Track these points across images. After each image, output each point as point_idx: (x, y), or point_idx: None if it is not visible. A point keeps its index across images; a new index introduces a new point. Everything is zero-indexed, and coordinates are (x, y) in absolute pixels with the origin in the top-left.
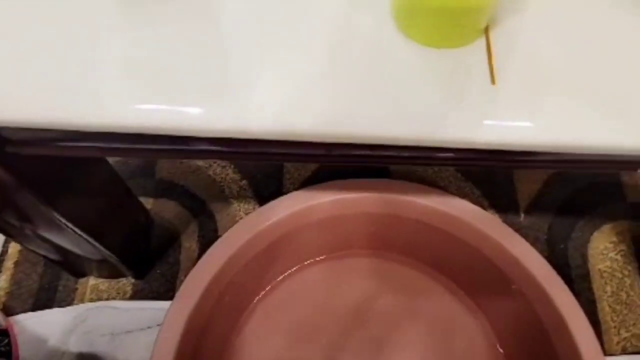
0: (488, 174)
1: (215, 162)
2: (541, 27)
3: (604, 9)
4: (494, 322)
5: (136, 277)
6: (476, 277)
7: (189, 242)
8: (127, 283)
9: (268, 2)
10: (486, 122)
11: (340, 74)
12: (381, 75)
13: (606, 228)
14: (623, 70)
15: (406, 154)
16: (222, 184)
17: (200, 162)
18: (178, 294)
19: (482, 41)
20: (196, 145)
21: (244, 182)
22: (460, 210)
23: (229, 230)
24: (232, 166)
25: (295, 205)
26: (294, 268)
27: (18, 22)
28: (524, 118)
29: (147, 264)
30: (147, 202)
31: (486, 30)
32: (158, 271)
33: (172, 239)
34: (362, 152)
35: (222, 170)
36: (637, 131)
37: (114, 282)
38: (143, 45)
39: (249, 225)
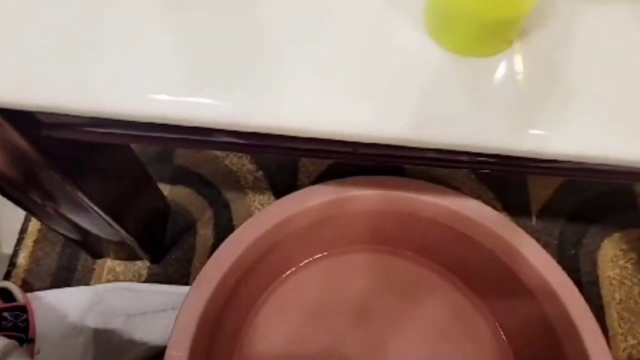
0: (501, 176)
1: (232, 152)
2: (566, 40)
3: (629, 24)
4: (504, 323)
5: (152, 261)
6: (488, 278)
7: (205, 230)
8: (142, 266)
9: (302, 6)
10: (513, 129)
11: (368, 76)
12: (409, 79)
13: (616, 236)
14: None
15: (429, 155)
16: (238, 173)
17: (218, 152)
18: (197, 280)
19: (510, 51)
20: (217, 137)
21: (259, 173)
22: (475, 212)
23: (247, 220)
24: (248, 157)
25: (311, 199)
26: (306, 261)
27: (46, 11)
28: (549, 127)
29: (163, 249)
30: (165, 188)
31: (516, 41)
32: (173, 256)
33: (188, 226)
34: (387, 152)
35: (238, 161)
36: None
37: (130, 264)
38: (167, 35)
39: (268, 217)
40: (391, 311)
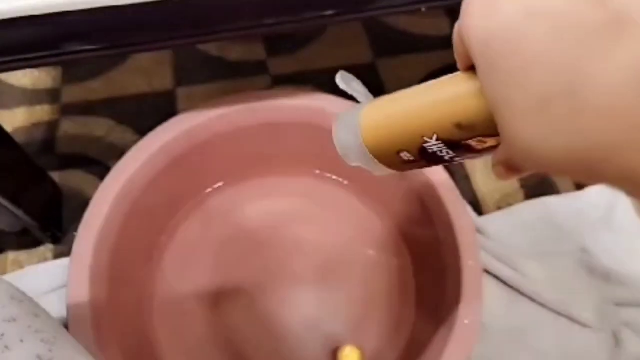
0: None
1: (114, 130)
2: None
3: None
4: (389, 210)
5: (54, 242)
6: (367, 173)
7: None
8: (46, 250)
9: None
10: None
11: None
12: None
13: None
14: None
15: None
16: (123, 147)
17: (99, 132)
18: (80, 228)
19: None
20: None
21: None
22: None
23: (122, 159)
24: (132, 130)
25: (183, 125)
26: (200, 195)
27: None
28: None
29: (63, 229)
30: (55, 176)
31: None
32: (74, 233)
33: (84, 203)
34: None
35: (121, 136)
36: None
37: (33, 251)
38: None
39: (142, 150)
40: (299, 232)
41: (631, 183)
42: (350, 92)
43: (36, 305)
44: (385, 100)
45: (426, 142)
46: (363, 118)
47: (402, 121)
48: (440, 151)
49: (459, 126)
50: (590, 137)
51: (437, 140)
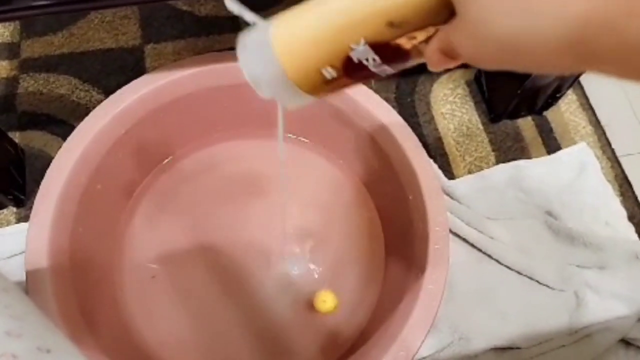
0: None
1: (77, 88)
2: None
3: None
4: (357, 169)
5: (17, 205)
6: (333, 132)
7: None
8: (9, 213)
9: None
10: None
11: None
12: None
13: (443, 78)
14: None
15: None
16: (87, 106)
17: (62, 90)
18: (40, 190)
19: None
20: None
21: None
22: None
23: (85, 119)
24: (96, 88)
25: (149, 85)
26: (169, 158)
27: None
28: None
29: (26, 192)
30: (14, 137)
31: None
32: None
33: (46, 165)
34: None
35: (85, 94)
36: None
37: None
38: None
39: (107, 110)
40: (268, 192)
41: (629, 57)
42: (242, 14)
43: (5, 279)
44: (301, 12)
45: (352, 49)
46: (276, 38)
47: (327, 30)
48: (367, 59)
49: (391, 24)
50: (580, 15)
51: (364, 44)
